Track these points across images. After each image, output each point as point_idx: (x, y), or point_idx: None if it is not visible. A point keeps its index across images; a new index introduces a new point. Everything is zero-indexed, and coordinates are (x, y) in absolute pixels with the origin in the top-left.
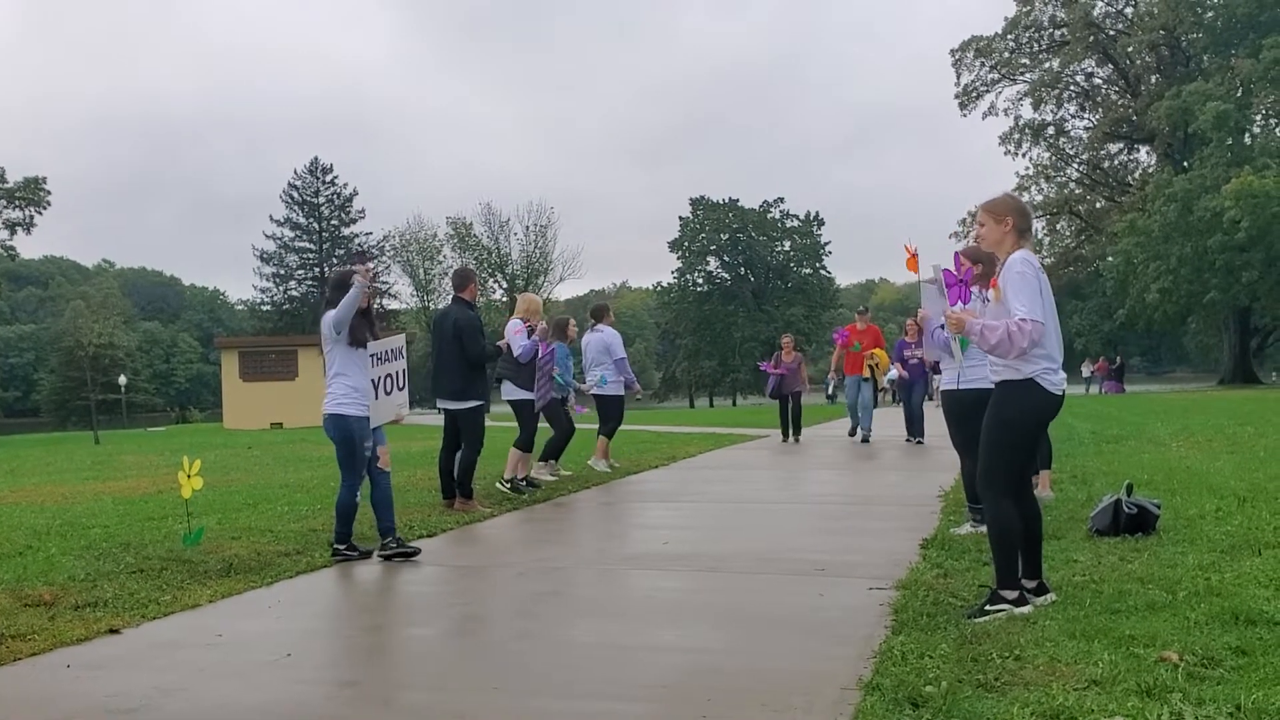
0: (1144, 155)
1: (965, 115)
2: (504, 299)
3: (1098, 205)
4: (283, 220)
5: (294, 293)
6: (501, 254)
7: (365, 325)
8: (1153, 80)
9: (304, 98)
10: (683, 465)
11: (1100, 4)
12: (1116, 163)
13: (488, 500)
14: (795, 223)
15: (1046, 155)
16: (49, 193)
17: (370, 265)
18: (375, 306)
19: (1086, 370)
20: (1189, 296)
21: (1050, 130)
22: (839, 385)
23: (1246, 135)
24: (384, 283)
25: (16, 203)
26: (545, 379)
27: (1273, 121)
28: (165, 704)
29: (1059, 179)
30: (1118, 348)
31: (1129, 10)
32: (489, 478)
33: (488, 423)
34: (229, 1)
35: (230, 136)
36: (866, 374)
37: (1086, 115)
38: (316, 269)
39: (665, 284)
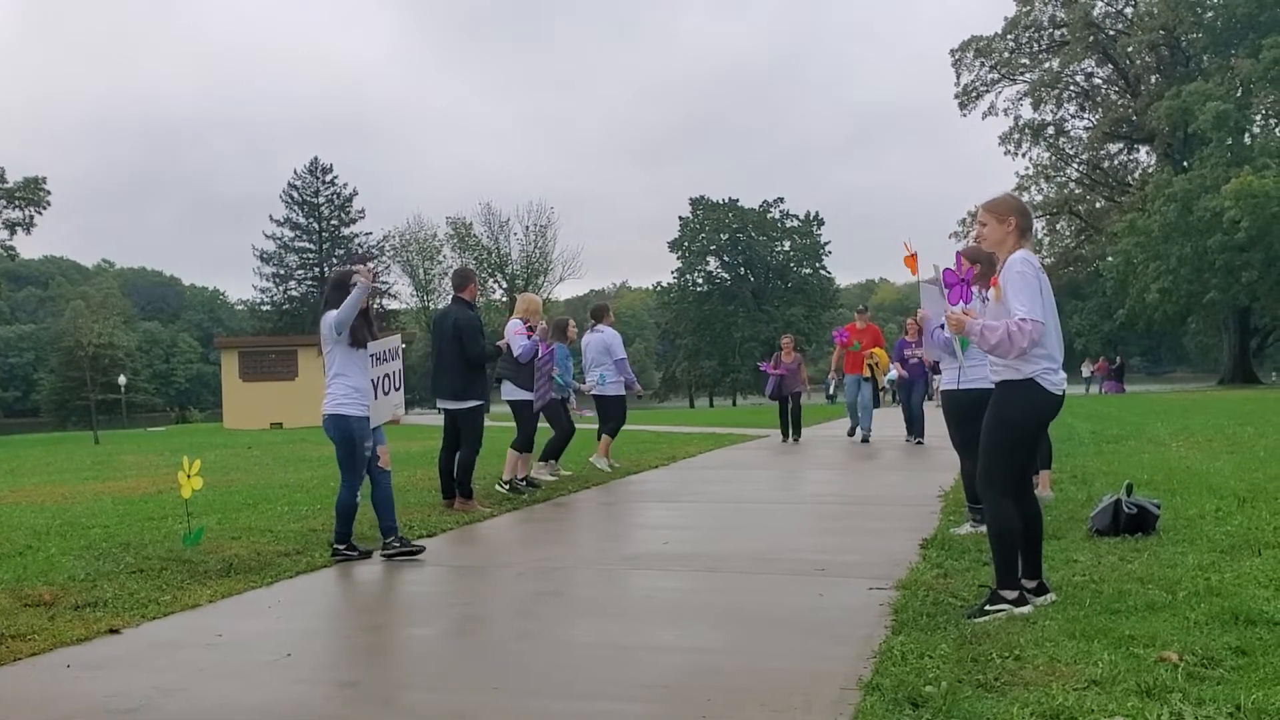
0: (1144, 155)
1: (965, 115)
2: (504, 299)
3: (1098, 205)
4: (283, 220)
5: (294, 293)
6: (501, 254)
7: (365, 325)
8: (1153, 80)
9: (304, 98)
10: (683, 465)
11: (1100, 4)
12: (1116, 163)
13: (487, 500)
14: (795, 223)
15: (1046, 155)
16: (49, 193)
17: (371, 265)
18: (375, 306)
19: (1086, 370)
20: (1189, 296)
21: (1050, 130)
22: (839, 385)
23: (1246, 135)
24: (384, 283)
25: (16, 203)
26: (545, 379)
27: (1272, 121)
28: (165, 704)
29: (1059, 179)
30: (1118, 348)
31: (1129, 10)
32: (489, 478)
33: (487, 423)
34: (229, 1)
35: (230, 136)
36: (866, 374)
37: (1086, 115)
38: (316, 269)
39: (665, 284)
